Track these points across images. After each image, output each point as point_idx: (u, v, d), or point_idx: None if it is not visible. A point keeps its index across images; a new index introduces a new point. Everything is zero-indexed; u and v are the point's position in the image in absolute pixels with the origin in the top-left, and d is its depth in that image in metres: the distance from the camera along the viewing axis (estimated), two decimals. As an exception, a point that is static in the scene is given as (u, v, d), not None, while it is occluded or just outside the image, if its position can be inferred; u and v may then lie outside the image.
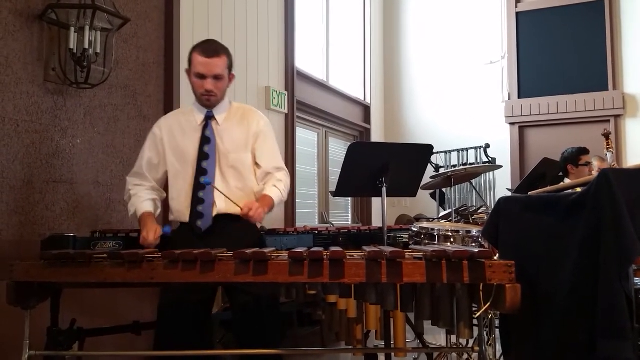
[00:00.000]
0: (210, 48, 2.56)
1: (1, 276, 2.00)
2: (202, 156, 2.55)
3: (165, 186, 2.72)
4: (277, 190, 2.55)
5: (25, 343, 2.02)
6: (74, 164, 3.33)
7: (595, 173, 4.89)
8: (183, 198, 2.57)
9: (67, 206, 3.28)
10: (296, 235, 3.29)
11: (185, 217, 2.54)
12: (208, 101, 2.58)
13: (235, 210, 2.49)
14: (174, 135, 2.63)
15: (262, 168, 2.62)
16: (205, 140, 2.57)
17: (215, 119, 2.61)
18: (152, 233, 2.43)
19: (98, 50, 3.25)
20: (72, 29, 3.14)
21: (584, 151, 4.79)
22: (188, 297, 2.45)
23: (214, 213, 2.52)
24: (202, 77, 2.54)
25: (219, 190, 2.48)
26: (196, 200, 2.52)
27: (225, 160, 2.57)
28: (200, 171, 2.54)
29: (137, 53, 3.79)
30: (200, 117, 2.61)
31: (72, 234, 2.77)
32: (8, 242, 2.94)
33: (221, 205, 2.53)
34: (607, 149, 4.24)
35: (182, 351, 2.34)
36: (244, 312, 2.51)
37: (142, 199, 2.59)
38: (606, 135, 4.24)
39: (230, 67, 2.61)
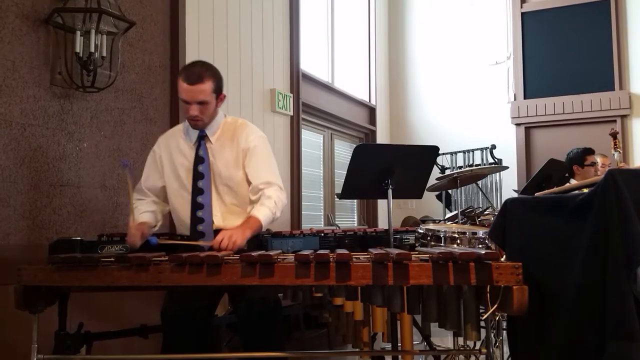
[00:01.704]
0: (194, 73, 2.50)
1: (9, 280, 2.01)
2: (197, 176, 2.58)
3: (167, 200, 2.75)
4: (264, 208, 2.49)
5: (33, 347, 2.02)
6: (81, 167, 3.34)
7: (600, 170, 4.88)
8: (183, 216, 2.62)
9: (74, 210, 3.29)
10: (302, 237, 3.28)
11: (187, 233, 2.59)
12: (195, 125, 2.60)
13: (233, 223, 2.50)
14: (171, 155, 2.66)
15: (252, 184, 2.60)
16: (199, 159, 2.59)
17: (208, 138, 2.62)
18: (132, 229, 2.43)
19: (104, 54, 3.26)
20: (78, 32, 3.16)
21: (589, 151, 4.78)
22: (190, 302, 2.46)
23: (214, 228, 2.55)
24: (186, 102, 2.54)
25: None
26: (195, 220, 2.55)
27: (219, 179, 2.60)
28: (197, 191, 2.57)
29: (142, 56, 3.80)
30: (194, 136, 2.64)
31: (79, 238, 2.78)
32: (16, 246, 2.95)
33: (218, 222, 2.56)
34: (615, 148, 4.22)
35: (189, 354, 2.34)
36: (245, 316, 2.52)
37: (141, 211, 2.62)
38: (614, 135, 4.22)
39: (218, 89, 2.57)
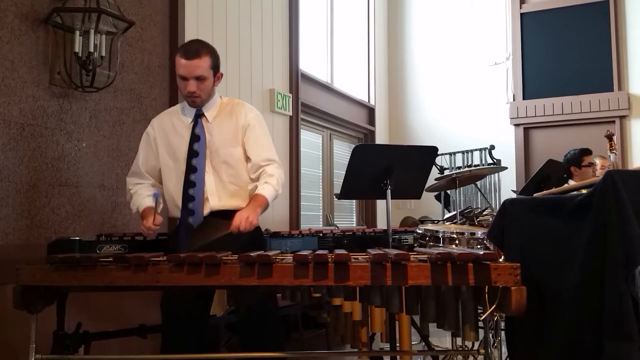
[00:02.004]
0: (191, 49, 2.53)
1: (7, 280, 2.01)
2: (192, 154, 2.57)
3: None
4: (269, 186, 2.54)
5: (31, 347, 2.02)
6: (80, 167, 3.34)
7: (598, 171, 4.88)
8: (176, 195, 2.61)
9: (72, 209, 3.29)
10: (301, 237, 3.29)
11: (178, 214, 2.58)
12: (193, 102, 2.60)
13: (231, 205, 2.52)
14: (166, 134, 2.66)
15: (252, 161, 2.61)
16: (195, 137, 2.59)
17: (205, 116, 2.63)
18: (150, 218, 2.47)
19: (103, 54, 3.26)
20: (77, 32, 3.16)
21: (586, 152, 4.78)
22: (184, 300, 2.47)
23: (206, 210, 2.54)
24: (184, 78, 2.54)
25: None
26: (187, 198, 2.55)
27: (216, 156, 2.59)
28: (190, 168, 2.56)
29: (142, 56, 3.80)
30: (190, 115, 2.64)
31: (77, 238, 2.77)
32: (14, 246, 2.95)
33: (214, 202, 2.55)
34: (611, 150, 4.23)
35: (188, 354, 2.34)
36: (244, 316, 2.53)
37: (143, 196, 2.63)
38: (609, 137, 4.22)
39: (215, 67, 2.59)
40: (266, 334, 2.51)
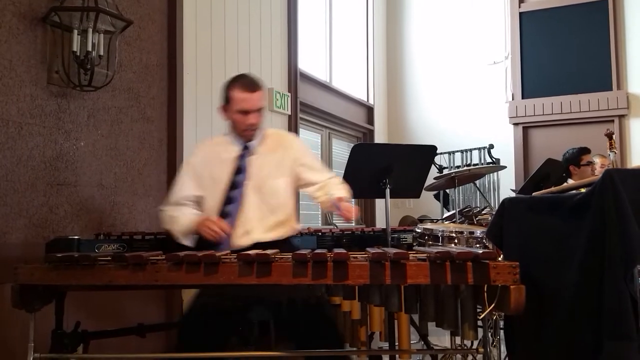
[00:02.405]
0: (251, 82, 2.58)
1: (6, 279, 2.00)
2: (232, 185, 2.57)
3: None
4: (345, 191, 2.57)
5: (30, 346, 2.02)
6: (78, 166, 3.34)
7: (598, 170, 4.89)
8: None
9: (71, 209, 3.28)
10: (299, 236, 3.28)
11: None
12: (251, 136, 2.61)
13: (272, 237, 2.53)
14: (210, 166, 2.64)
15: (316, 183, 2.64)
16: (238, 170, 2.59)
17: (252, 149, 2.63)
18: (218, 221, 2.42)
19: (101, 53, 3.25)
20: (75, 31, 3.15)
21: (585, 151, 4.78)
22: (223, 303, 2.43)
23: (248, 242, 2.50)
24: (245, 112, 2.54)
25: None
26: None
27: (262, 188, 2.57)
28: (227, 200, 2.56)
29: (140, 55, 3.80)
30: (236, 147, 2.64)
31: (76, 237, 2.77)
32: (12, 245, 2.94)
33: (258, 234, 2.53)
34: (610, 148, 4.23)
35: (186, 354, 2.34)
36: (290, 319, 2.48)
37: (188, 213, 2.58)
38: (609, 136, 4.23)
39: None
40: (324, 328, 2.47)
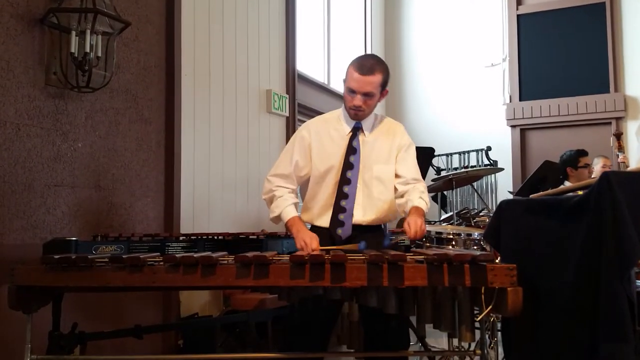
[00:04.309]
0: (367, 65, 2.54)
1: (3, 280, 2.00)
2: (347, 166, 2.57)
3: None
4: (423, 202, 2.54)
5: (26, 347, 2.02)
6: (75, 167, 3.33)
7: (597, 171, 4.89)
8: (322, 203, 2.60)
9: (68, 210, 3.28)
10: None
11: (324, 223, 2.57)
12: (355, 115, 2.61)
13: (372, 220, 2.56)
14: (321, 141, 2.64)
15: (402, 177, 2.62)
16: (352, 150, 2.59)
17: (363, 131, 2.63)
18: (315, 241, 2.43)
19: (99, 54, 3.25)
20: (74, 32, 3.15)
21: (582, 153, 4.79)
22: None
23: (353, 222, 2.55)
24: (352, 92, 2.55)
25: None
26: (338, 209, 2.55)
27: (369, 172, 2.59)
28: (344, 180, 2.56)
29: (138, 57, 3.80)
30: (348, 127, 2.64)
31: (73, 238, 2.77)
32: (9, 246, 2.94)
33: (358, 216, 2.55)
34: (619, 149, 4.26)
35: (185, 355, 2.34)
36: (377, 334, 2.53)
37: (288, 202, 2.59)
38: (617, 136, 4.24)
39: (384, 84, 2.61)
40: (395, 332, 2.50)
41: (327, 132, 2.66)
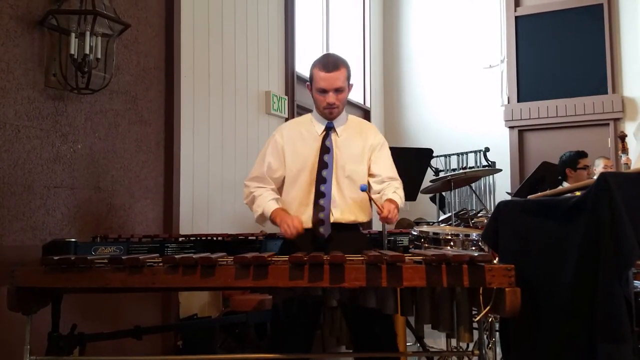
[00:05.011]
0: (330, 62, 2.60)
1: (2, 281, 2.00)
2: (322, 165, 2.61)
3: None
4: (397, 196, 2.57)
5: (26, 348, 2.02)
6: (75, 169, 3.34)
7: (599, 172, 4.91)
8: (297, 203, 2.63)
9: (68, 211, 3.28)
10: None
11: (306, 224, 2.58)
12: (331, 114, 2.65)
13: (348, 219, 2.58)
14: (294, 143, 2.68)
15: (377, 176, 2.65)
16: (325, 149, 2.63)
17: (335, 131, 2.67)
18: (295, 219, 2.48)
19: (99, 56, 3.26)
20: (73, 34, 3.15)
21: (582, 154, 4.81)
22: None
23: (332, 221, 2.58)
24: (324, 91, 2.60)
25: (372, 199, 2.51)
26: (318, 208, 2.57)
27: (341, 171, 2.62)
28: (320, 179, 2.59)
29: (137, 58, 3.80)
30: (320, 127, 2.68)
31: (73, 239, 2.78)
32: (9, 248, 2.94)
33: (336, 214, 2.58)
34: (623, 150, 4.27)
35: (184, 356, 2.34)
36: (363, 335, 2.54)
37: (268, 199, 2.63)
38: (622, 138, 4.26)
39: (349, 77, 2.67)
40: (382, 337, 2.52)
41: (300, 133, 2.70)
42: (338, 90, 2.60)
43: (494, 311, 1.87)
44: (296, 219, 2.48)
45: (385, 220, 2.45)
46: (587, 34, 6.94)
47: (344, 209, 2.59)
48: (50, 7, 3.17)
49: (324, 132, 2.66)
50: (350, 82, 2.70)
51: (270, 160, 2.69)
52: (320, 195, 2.58)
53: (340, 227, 2.58)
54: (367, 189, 2.46)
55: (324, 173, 2.59)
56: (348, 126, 2.72)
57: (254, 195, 2.67)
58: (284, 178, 2.68)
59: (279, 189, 2.71)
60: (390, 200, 2.50)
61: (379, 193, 2.59)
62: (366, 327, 2.48)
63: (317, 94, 2.63)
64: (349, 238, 2.55)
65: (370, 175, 2.67)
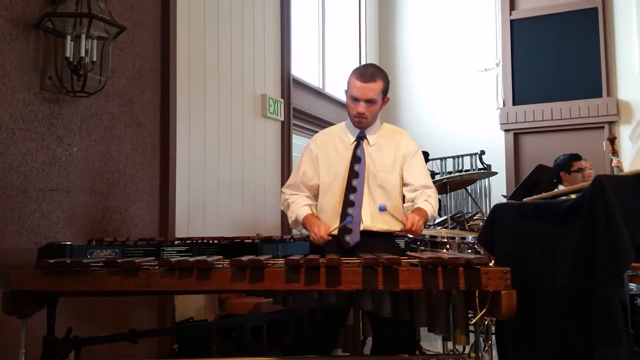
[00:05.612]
0: (367, 73, 2.62)
1: (-3, 285, 1.99)
2: (352, 174, 2.63)
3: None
4: (429, 205, 2.58)
5: (21, 352, 2.01)
6: (70, 172, 3.33)
7: (589, 175, 4.92)
8: (330, 212, 2.65)
9: (63, 214, 3.27)
10: (292, 242, 3.29)
11: (333, 231, 2.60)
12: (360, 123, 2.66)
13: (380, 227, 2.59)
14: (327, 152, 2.72)
15: (410, 185, 2.66)
16: (356, 159, 2.64)
17: (367, 139, 2.68)
18: (322, 227, 2.52)
19: (94, 59, 3.25)
20: (69, 37, 3.14)
21: (576, 157, 4.81)
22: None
23: (361, 229, 2.59)
24: (355, 100, 2.62)
25: (392, 215, 2.53)
26: (345, 216, 2.58)
27: (373, 180, 2.63)
28: (350, 189, 2.61)
29: (133, 61, 3.80)
30: (352, 136, 2.70)
31: (68, 243, 2.76)
32: (4, 251, 2.93)
33: (367, 222, 2.60)
34: (613, 153, 4.28)
35: (180, 359, 2.34)
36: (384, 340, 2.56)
37: (301, 205, 2.69)
38: (611, 140, 4.27)
39: (385, 91, 2.67)
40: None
41: (333, 142, 2.73)
42: (370, 102, 2.61)
43: (490, 314, 1.87)
44: (323, 227, 2.51)
45: (409, 232, 2.46)
46: (581, 38, 6.97)
47: (376, 217, 2.59)
48: (46, 9, 3.16)
49: (356, 142, 2.68)
50: (388, 97, 2.71)
51: (305, 169, 2.74)
52: (349, 204, 2.59)
53: (371, 235, 2.59)
54: (385, 209, 2.46)
55: (354, 182, 2.61)
56: (381, 134, 2.73)
57: (289, 202, 2.74)
58: (318, 186, 2.72)
59: (315, 197, 2.75)
60: (418, 210, 2.51)
61: (411, 202, 2.61)
62: (393, 332, 2.49)
63: (350, 101, 2.66)
64: (379, 245, 2.54)
65: (404, 184, 2.68)
